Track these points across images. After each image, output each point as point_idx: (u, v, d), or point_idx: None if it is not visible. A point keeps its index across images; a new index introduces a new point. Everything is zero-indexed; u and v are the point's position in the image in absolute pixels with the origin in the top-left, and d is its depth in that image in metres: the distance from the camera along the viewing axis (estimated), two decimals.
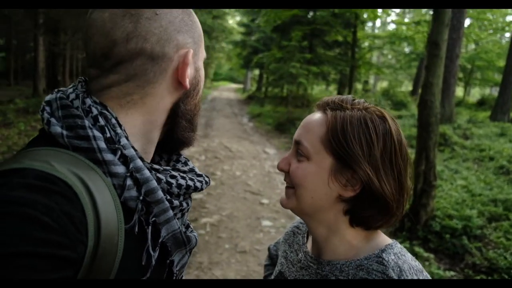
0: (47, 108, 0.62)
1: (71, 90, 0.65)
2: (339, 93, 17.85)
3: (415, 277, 0.66)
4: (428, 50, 3.76)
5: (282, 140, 10.34)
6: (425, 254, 3.52)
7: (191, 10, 0.70)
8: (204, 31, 21.96)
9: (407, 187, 0.74)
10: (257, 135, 11.02)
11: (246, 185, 5.90)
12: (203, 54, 0.73)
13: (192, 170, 0.76)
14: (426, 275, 0.69)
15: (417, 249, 3.58)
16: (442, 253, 3.64)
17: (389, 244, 0.73)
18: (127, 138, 0.62)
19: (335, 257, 0.76)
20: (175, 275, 0.70)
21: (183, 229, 0.70)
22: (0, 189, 0.46)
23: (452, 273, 3.28)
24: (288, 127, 11.12)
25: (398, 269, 0.67)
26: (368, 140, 0.69)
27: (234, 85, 43.35)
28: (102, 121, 0.61)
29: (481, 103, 17.84)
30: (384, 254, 0.70)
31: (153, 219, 0.63)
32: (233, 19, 30.57)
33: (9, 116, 9.58)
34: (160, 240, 0.64)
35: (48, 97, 0.64)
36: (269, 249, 1.08)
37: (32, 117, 9.74)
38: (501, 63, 16.22)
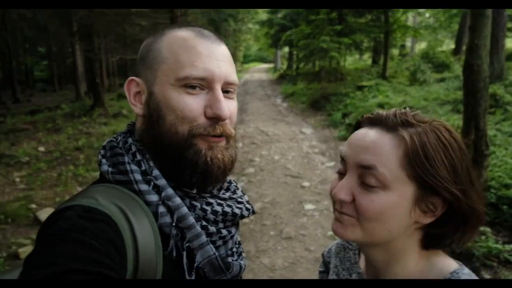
0: (102, 151, 0.74)
1: (120, 132, 0.77)
2: (374, 62, 17.05)
3: None
4: (472, 10, 3.43)
5: (318, 118, 10.14)
6: (481, 228, 3.33)
7: (163, 31, 0.72)
8: (229, 15, 21.77)
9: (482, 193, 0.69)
10: (292, 115, 10.89)
11: (285, 169, 5.89)
12: (165, 77, 0.68)
13: (232, 198, 0.77)
14: None
15: None
16: (500, 226, 3.43)
17: (454, 272, 0.65)
18: (160, 169, 0.69)
19: None
20: None
21: (224, 256, 0.71)
22: (57, 221, 0.56)
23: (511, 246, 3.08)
24: (323, 104, 10.86)
25: None
26: (450, 161, 0.63)
27: (264, 65, 42.89)
28: (139, 156, 0.70)
29: None
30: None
31: (187, 244, 0.66)
32: None
33: (58, 122, 10.25)
34: (195, 265, 0.66)
35: (105, 142, 0.76)
36: (323, 255, 1.03)
37: (77, 120, 10.33)
38: None
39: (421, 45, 24.80)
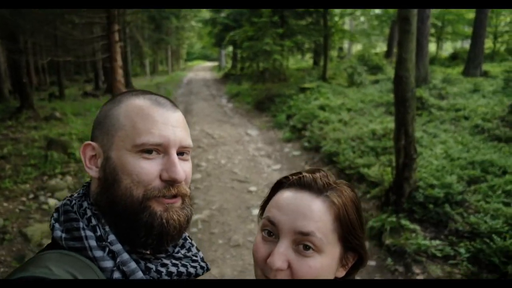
0: (55, 215, 0.73)
1: (75, 194, 0.76)
2: (315, 63, 17.76)
3: None
4: (399, 26, 3.73)
5: (263, 119, 10.31)
6: (411, 226, 3.66)
7: (120, 97, 0.75)
8: (171, 13, 21.16)
9: None
10: (238, 116, 10.95)
11: (232, 173, 5.92)
12: (122, 143, 0.70)
13: (187, 256, 0.79)
14: None
15: (403, 221, 3.72)
16: (427, 222, 3.80)
17: None
18: (115, 233, 0.69)
19: None
20: None
21: None
22: None
23: (437, 241, 3.43)
24: (267, 105, 11.07)
25: None
26: (360, 218, 0.71)
27: (209, 63, 42.46)
28: (94, 221, 0.70)
29: (454, 57, 18.10)
30: None
31: None
32: None
33: None
34: None
35: (58, 204, 0.78)
36: None
37: (1, 124, 9.34)
38: (471, 15, 16.35)
39: (357, 47, 26.39)
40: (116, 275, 0.66)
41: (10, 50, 7.66)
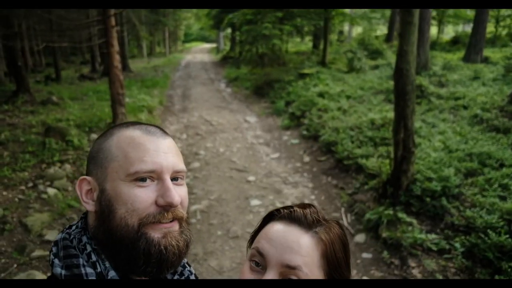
0: (54, 249, 0.72)
1: (74, 227, 0.75)
2: (315, 46, 17.51)
3: None
4: (401, 17, 3.66)
5: (262, 105, 10.25)
6: (408, 219, 3.70)
7: (111, 130, 0.76)
8: None
9: None
10: (236, 102, 10.87)
11: (231, 162, 5.93)
12: (116, 174, 0.70)
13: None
14: None
15: (400, 214, 3.76)
16: (424, 216, 3.84)
17: None
18: (115, 268, 0.70)
19: None
20: None
21: None
22: None
23: (433, 235, 3.49)
24: (266, 91, 10.98)
25: None
26: (348, 258, 0.74)
27: (207, 45, 41.78)
28: (94, 257, 0.69)
29: (455, 42, 17.89)
30: None
31: None
32: None
33: None
34: None
35: (57, 237, 0.74)
36: None
37: None
38: None
39: (358, 30, 25.98)
40: None
41: (4, 36, 7.48)
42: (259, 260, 0.73)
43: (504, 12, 17.64)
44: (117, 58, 7.05)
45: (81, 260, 0.68)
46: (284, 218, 0.75)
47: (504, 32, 18.16)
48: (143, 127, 0.75)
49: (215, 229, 3.99)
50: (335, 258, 0.72)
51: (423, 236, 3.44)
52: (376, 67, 11.98)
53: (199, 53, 31.96)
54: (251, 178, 5.29)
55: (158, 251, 0.69)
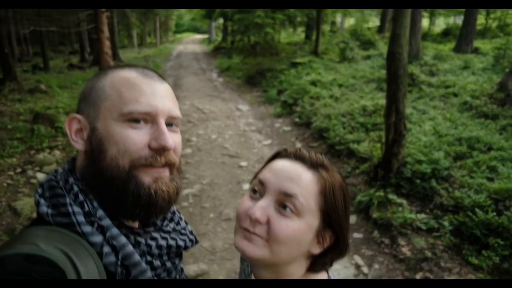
0: (39, 190, 0.70)
1: (60, 169, 0.73)
2: (307, 37, 17.47)
3: None
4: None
5: (254, 94, 10.23)
6: (398, 200, 3.75)
7: (106, 71, 0.74)
8: None
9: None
10: (228, 91, 10.82)
11: (223, 149, 5.92)
12: (109, 113, 0.68)
13: (176, 230, 0.80)
14: None
15: (390, 196, 3.81)
16: (414, 197, 3.90)
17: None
18: (103, 208, 0.68)
19: None
20: None
21: None
22: None
23: (423, 215, 3.54)
24: (258, 80, 10.94)
25: None
26: (346, 203, 0.75)
27: (198, 36, 41.37)
28: (81, 197, 0.68)
29: (446, 33, 18.01)
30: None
31: None
32: None
33: None
34: None
35: (42, 179, 0.72)
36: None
37: None
38: None
39: (350, 21, 25.98)
40: (106, 249, 0.65)
41: None
42: (259, 189, 0.75)
43: None
44: (107, 44, 6.95)
45: (67, 199, 0.66)
46: (289, 156, 0.77)
47: (494, 24, 18.35)
48: (139, 69, 0.73)
49: (207, 212, 3.99)
50: (334, 199, 0.73)
51: (412, 216, 3.49)
52: (368, 57, 12.01)
53: (191, 43, 31.65)
54: (243, 163, 5.30)
55: (147, 194, 0.68)
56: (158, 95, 0.70)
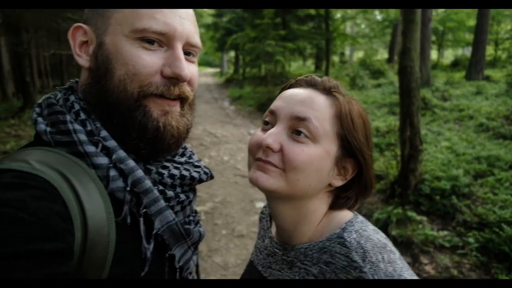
0: (37, 109, 0.64)
1: (60, 89, 0.67)
2: (317, 67, 17.82)
3: (380, 256, 0.61)
4: (403, 16, 3.73)
5: None
6: (418, 218, 3.60)
7: None
8: None
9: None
10: (240, 118, 10.93)
11: (235, 169, 5.88)
12: (119, 26, 0.60)
13: (189, 162, 0.73)
14: (390, 249, 0.63)
15: (409, 213, 3.66)
16: (434, 215, 3.74)
17: (349, 221, 0.68)
18: (108, 130, 0.61)
19: (300, 241, 0.71)
20: (178, 270, 0.67)
21: (182, 222, 0.67)
22: None
23: (445, 232, 3.37)
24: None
25: (362, 250, 0.61)
26: (366, 129, 0.70)
27: (211, 70, 42.59)
28: (83, 115, 0.61)
29: (455, 64, 18.16)
30: (345, 234, 0.65)
31: (144, 210, 0.61)
32: None
33: None
34: (154, 232, 0.61)
35: (40, 100, 0.65)
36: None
37: (4, 122, 9.33)
38: (472, 22, 16.45)
39: (359, 54, 26.54)
40: (113, 173, 0.58)
41: (14, 44, 7.68)
42: (270, 119, 0.70)
43: (503, 35, 18.02)
44: None
45: (68, 116, 0.60)
46: (301, 83, 0.72)
47: (504, 55, 18.47)
48: None
49: (220, 229, 3.89)
50: (351, 121, 0.67)
51: (434, 233, 3.33)
52: (378, 85, 12.12)
53: (203, 76, 32.54)
54: None
55: (155, 128, 0.61)
56: (178, 16, 0.62)
